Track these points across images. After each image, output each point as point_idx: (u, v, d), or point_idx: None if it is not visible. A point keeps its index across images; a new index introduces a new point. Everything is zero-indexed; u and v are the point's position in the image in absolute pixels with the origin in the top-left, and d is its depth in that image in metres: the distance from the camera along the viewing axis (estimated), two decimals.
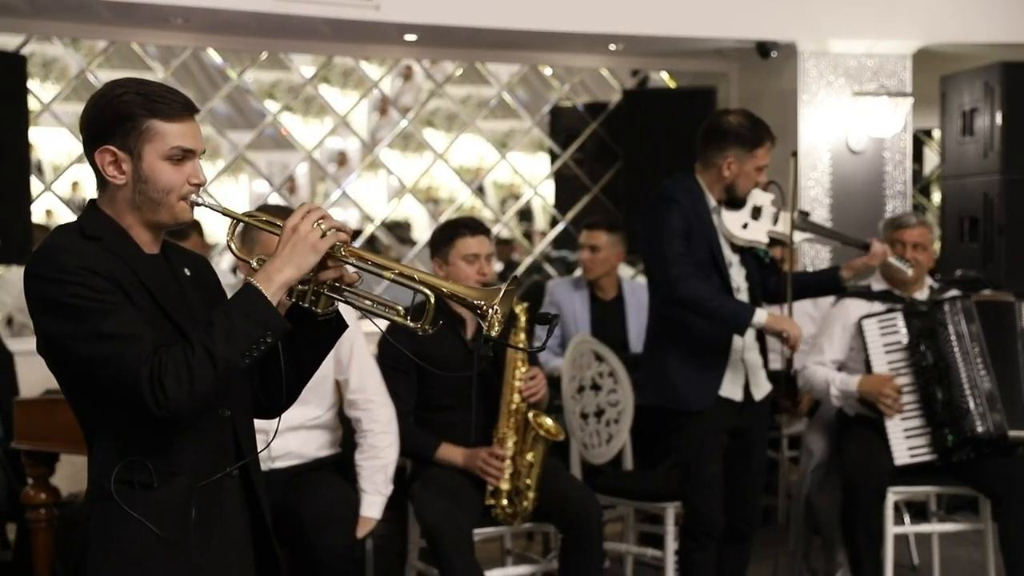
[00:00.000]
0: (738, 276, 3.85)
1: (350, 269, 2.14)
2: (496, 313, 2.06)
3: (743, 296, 3.84)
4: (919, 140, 8.71)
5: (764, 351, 3.94)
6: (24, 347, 4.60)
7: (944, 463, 4.21)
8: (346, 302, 2.16)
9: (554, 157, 7.62)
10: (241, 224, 2.19)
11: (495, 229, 8.46)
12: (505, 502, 3.87)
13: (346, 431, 3.89)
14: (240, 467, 2.18)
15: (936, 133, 8.29)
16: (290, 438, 3.63)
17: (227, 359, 1.98)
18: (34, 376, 4.54)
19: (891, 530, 4.22)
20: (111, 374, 1.97)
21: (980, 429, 4.13)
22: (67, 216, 6.92)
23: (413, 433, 3.92)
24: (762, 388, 3.92)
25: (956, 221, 6.67)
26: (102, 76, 6.46)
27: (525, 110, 7.93)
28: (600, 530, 3.88)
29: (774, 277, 3.91)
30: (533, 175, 8.60)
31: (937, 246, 6.93)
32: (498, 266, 8.87)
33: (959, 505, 5.12)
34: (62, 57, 10.15)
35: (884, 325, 4.30)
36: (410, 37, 6.51)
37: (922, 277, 4.47)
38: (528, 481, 3.87)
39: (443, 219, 6.39)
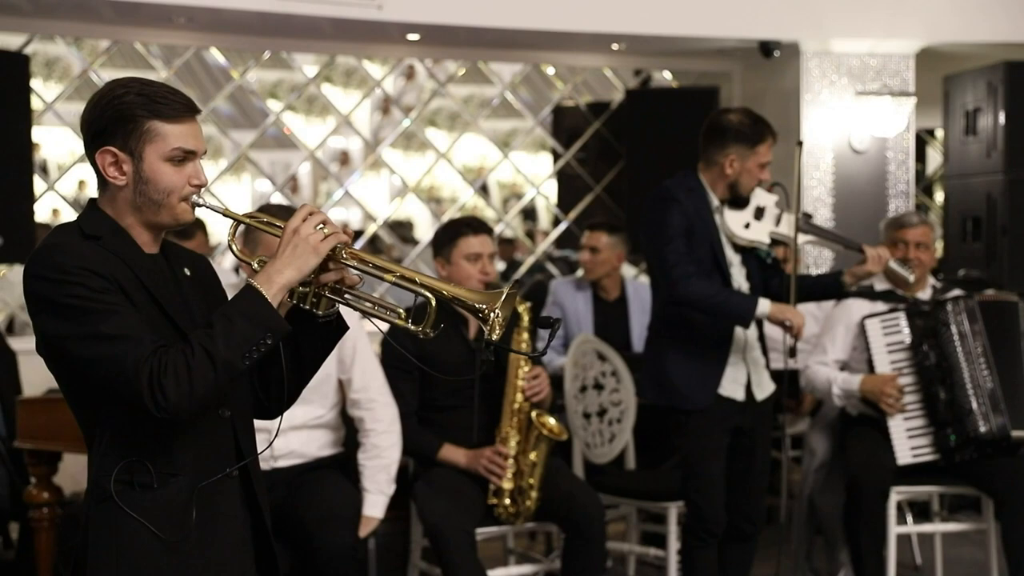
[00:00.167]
0: (739, 276, 3.84)
1: (351, 272, 2.13)
2: (497, 317, 2.06)
3: None
4: (922, 140, 8.70)
5: (765, 351, 3.94)
6: (27, 346, 4.60)
7: (947, 463, 4.21)
8: (347, 304, 2.16)
9: (557, 156, 7.62)
10: (242, 225, 2.19)
11: (498, 228, 8.45)
12: (508, 501, 3.87)
13: (349, 430, 3.89)
14: (240, 468, 2.18)
15: (939, 133, 8.28)
16: (293, 437, 3.63)
17: (227, 360, 1.98)
18: (37, 375, 4.54)
19: (894, 530, 4.21)
20: (110, 375, 1.97)
21: (983, 429, 4.12)
22: (73, 215, 6.93)
23: (416, 433, 3.92)
24: (765, 388, 3.92)
25: (959, 221, 6.66)
26: (105, 75, 6.47)
27: (528, 109, 7.93)
28: (603, 529, 3.88)
29: (776, 278, 3.90)
30: (536, 175, 8.59)
31: (940, 246, 6.94)
32: (500, 265, 8.86)
33: (962, 505, 5.12)
34: (65, 56, 10.16)
35: (887, 325, 4.30)
36: (413, 36, 6.51)
37: (925, 277, 4.47)
38: (531, 480, 3.87)
39: (445, 219, 6.39)
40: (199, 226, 5.69)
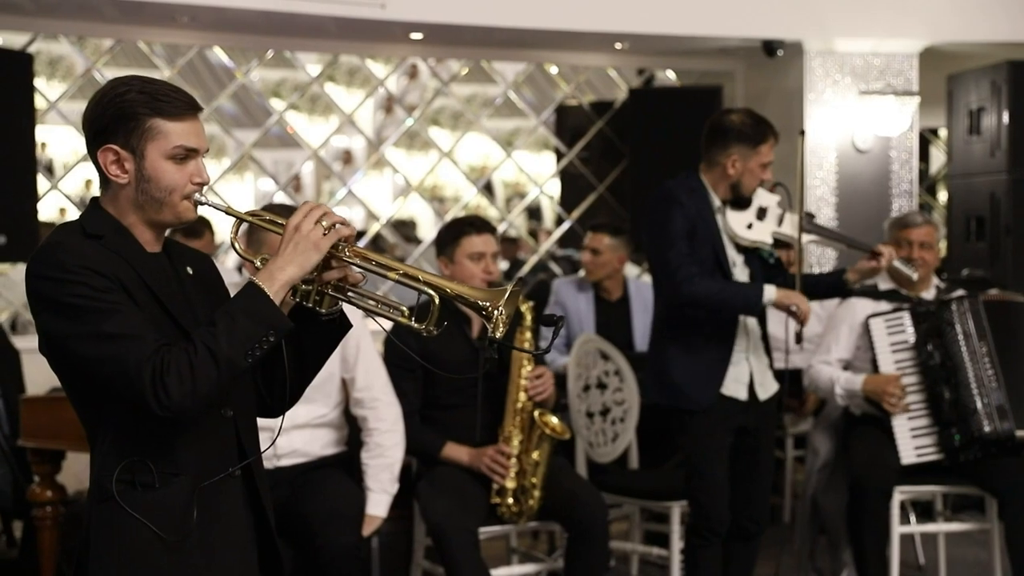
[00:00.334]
0: (742, 276, 3.84)
1: (354, 269, 2.13)
2: (501, 314, 2.06)
3: None
4: (925, 139, 8.69)
5: (768, 351, 3.93)
6: (30, 345, 4.60)
7: (951, 463, 4.20)
8: (350, 302, 2.15)
9: (560, 156, 7.62)
10: (245, 223, 2.18)
11: (501, 228, 8.45)
12: (511, 500, 3.87)
13: (352, 429, 3.88)
14: (243, 467, 2.17)
15: (943, 132, 8.27)
16: (296, 436, 3.63)
17: (229, 358, 1.97)
18: (40, 374, 4.55)
19: (897, 529, 4.21)
20: (113, 374, 1.97)
21: (987, 429, 4.12)
22: (78, 214, 6.94)
23: (419, 432, 3.92)
24: (768, 388, 3.91)
25: (963, 220, 6.66)
26: (108, 74, 6.47)
27: (531, 109, 7.93)
28: (606, 529, 3.88)
29: (779, 278, 3.90)
30: (539, 174, 8.59)
31: (943, 245, 6.93)
32: (504, 265, 8.87)
33: (965, 505, 5.11)
34: (68, 55, 10.18)
35: (891, 324, 4.29)
36: (416, 36, 6.51)
37: (929, 276, 4.46)
38: (534, 480, 3.86)
39: (448, 218, 6.39)
40: (206, 225, 5.70)
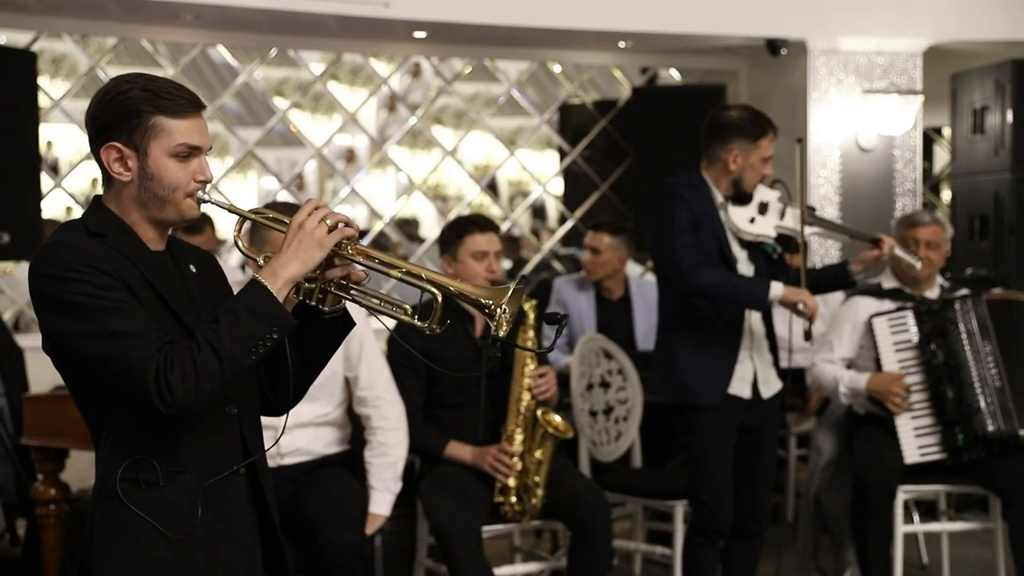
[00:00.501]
0: (747, 271, 3.84)
1: (357, 267, 2.12)
2: (504, 313, 2.05)
3: None
4: (929, 138, 8.68)
5: (774, 349, 3.93)
6: (34, 343, 4.61)
7: (954, 462, 4.20)
8: (353, 300, 2.15)
9: (563, 154, 7.61)
10: (248, 221, 2.18)
11: (504, 226, 8.45)
12: (514, 499, 3.87)
13: (355, 428, 3.89)
14: (247, 465, 2.17)
15: (946, 131, 8.26)
16: (299, 435, 3.63)
17: (233, 356, 1.97)
18: (44, 372, 4.55)
19: (900, 529, 4.21)
20: (116, 372, 1.97)
21: (991, 428, 4.12)
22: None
23: (422, 430, 3.92)
24: (771, 386, 3.91)
25: (966, 219, 6.65)
26: (112, 73, 6.45)
27: (534, 107, 7.93)
28: (609, 528, 3.88)
29: (782, 273, 3.90)
30: (542, 172, 8.59)
31: (947, 245, 6.92)
32: (507, 263, 8.86)
33: (969, 504, 5.11)
34: (72, 54, 10.17)
35: (894, 323, 4.29)
36: (419, 34, 6.51)
37: (933, 276, 4.45)
38: (537, 478, 3.86)
39: (452, 216, 6.39)
40: (207, 221, 5.71)
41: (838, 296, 4.84)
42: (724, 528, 3.84)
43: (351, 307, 2.19)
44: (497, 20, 6.12)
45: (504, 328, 2.06)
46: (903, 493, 4.21)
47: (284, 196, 7.25)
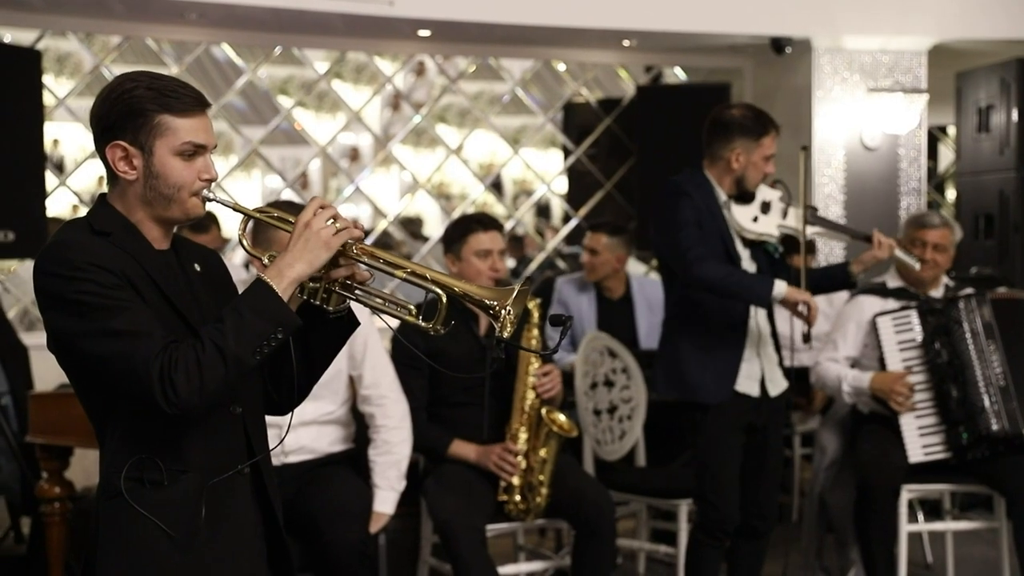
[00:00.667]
0: (749, 270, 3.84)
1: (362, 267, 2.12)
2: (509, 314, 2.05)
3: None
4: (934, 137, 8.68)
5: (778, 347, 3.93)
6: (38, 341, 4.62)
7: (959, 461, 4.19)
8: (357, 300, 2.15)
9: (567, 153, 7.61)
10: (252, 220, 2.18)
11: (509, 225, 8.45)
12: (518, 498, 3.87)
13: (359, 426, 3.89)
14: (251, 464, 2.17)
15: (951, 130, 8.25)
16: (303, 433, 3.63)
17: (237, 355, 1.97)
18: (48, 370, 4.55)
19: (905, 528, 4.20)
20: (121, 371, 1.96)
21: (995, 427, 4.11)
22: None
23: (426, 429, 3.92)
24: (778, 384, 3.91)
25: (971, 218, 6.65)
26: (116, 71, 6.47)
27: (538, 106, 7.92)
28: (613, 526, 3.88)
29: (784, 273, 3.90)
30: (546, 171, 8.58)
31: (955, 248, 6.91)
32: (511, 262, 8.86)
33: (973, 503, 5.10)
34: (76, 52, 10.18)
35: (898, 322, 4.28)
36: (423, 33, 6.51)
37: (939, 277, 4.44)
38: (541, 477, 3.86)
39: (455, 215, 6.39)
40: (213, 220, 5.71)
41: (842, 295, 4.84)
42: (730, 528, 3.84)
43: (355, 306, 2.19)
44: (501, 18, 6.12)
45: (508, 330, 2.05)
46: (907, 492, 4.20)
47: (288, 194, 7.25)
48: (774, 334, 3.91)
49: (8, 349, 4.84)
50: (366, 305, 2.15)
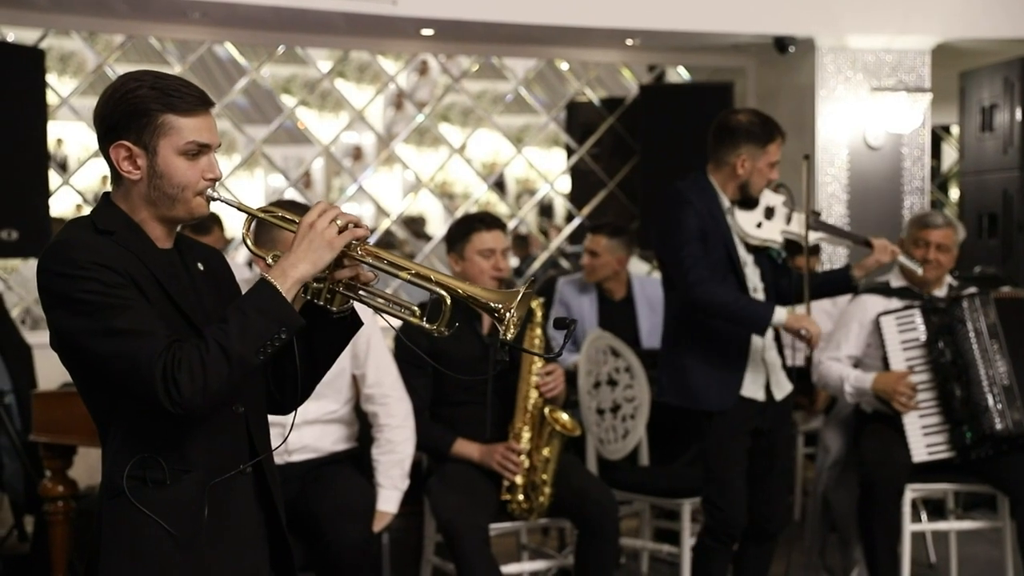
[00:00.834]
0: (754, 276, 3.83)
1: (366, 268, 2.12)
2: (513, 317, 2.05)
3: (760, 296, 3.83)
4: (938, 136, 8.67)
5: (781, 349, 3.92)
6: (42, 340, 4.62)
7: (962, 460, 4.19)
8: (361, 301, 2.15)
9: (570, 152, 7.61)
10: (256, 219, 2.18)
11: (512, 224, 8.45)
12: (521, 497, 3.87)
13: (362, 425, 3.89)
14: (254, 464, 2.17)
15: (955, 129, 8.25)
16: (306, 432, 3.63)
17: (241, 355, 1.97)
18: (52, 369, 4.54)
19: (908, 527, 4.20)
20: (124, 370, 1.96)
21: (999, 426, 4.11)
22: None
23: (429, 428, 3.92)
24: (783, 388, 3.90)
25: (975, 218, 6.64)
26: (119, 70, 6.48)
27: (541, 105, 7.92)
28: (616, 526, 3.88)
29: (785, 278, 3.90)
30: (549, 170, 8.58)
31: (958, 248, 6.91)
32: (514, 261, 8.86)
33: (977, 503, 5.10)
34: (80, 51, 10.19)
35: (902, 322, 4.28)
36: (426, 32, 6.51)
37: (942, 276, 4.44)
38: (544, 476, 3.86)
39: (459, 214, 6.39)
40: (215, 221, 5.71)
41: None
42: (736, 532, 3.83)
43: (358, 305, 2.19)
44: (504, 18, 6.12)
45: (512, 332, 2.05)
46: (911, 492, 4.20)
47: (291, 193, 7.25)
48: (777, 337, 3.90)
49: (11, 348, 4.85)
50: (370, 306, 2.14)
